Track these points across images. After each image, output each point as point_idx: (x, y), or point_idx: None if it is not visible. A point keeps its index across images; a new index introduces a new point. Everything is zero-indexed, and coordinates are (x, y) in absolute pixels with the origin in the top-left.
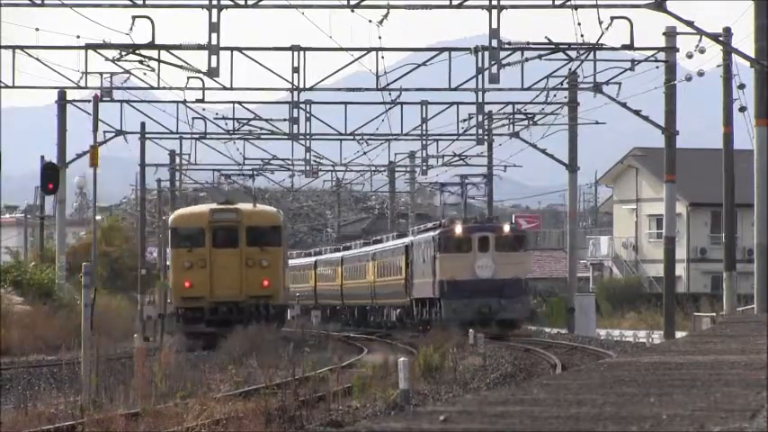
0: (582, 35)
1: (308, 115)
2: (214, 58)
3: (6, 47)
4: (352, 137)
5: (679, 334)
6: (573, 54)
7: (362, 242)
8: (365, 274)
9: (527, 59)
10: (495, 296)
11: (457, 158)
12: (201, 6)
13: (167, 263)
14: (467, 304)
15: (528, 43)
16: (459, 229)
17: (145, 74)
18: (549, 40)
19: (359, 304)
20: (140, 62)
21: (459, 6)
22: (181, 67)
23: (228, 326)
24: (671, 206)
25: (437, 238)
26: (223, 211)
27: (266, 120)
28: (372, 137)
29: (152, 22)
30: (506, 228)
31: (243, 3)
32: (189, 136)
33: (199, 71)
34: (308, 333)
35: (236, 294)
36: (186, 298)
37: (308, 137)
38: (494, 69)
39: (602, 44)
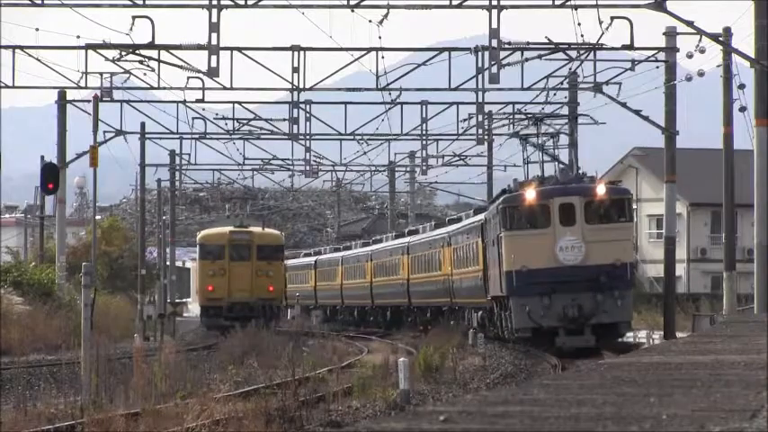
0: (582, 35)
1: (307, 115)
2: (214, 58)
3: (6, 47)
4: (352, 137)
5: (679, 334)
6: (573, 54)
7: (434, 224)
8: (440, 264)
9: (527, 59)
10: (588, 291)
11: (457, 158)
12: (201, 6)
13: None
14: (546, 305)
15: (528, 43)
16: (530, 194)
17: (145, 74)
18: (549, 40)
19: (433, 304)
20: (140, 62)
21: (459, 6)
22: (181, 67)
23: (242, 320)
24: (671, 206)
25: (501, 208)
26: (239, 232)
27: (266, 120)
28: (372, 137)
29: (152, 22)
30: (601, 189)
31: (243, 3)
32: (189, 136)
33: (199, 71)
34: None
35: (247, 296)
36: (209, 298)
37: (308, 137)
38: (494, 69)
39: (602, 44)
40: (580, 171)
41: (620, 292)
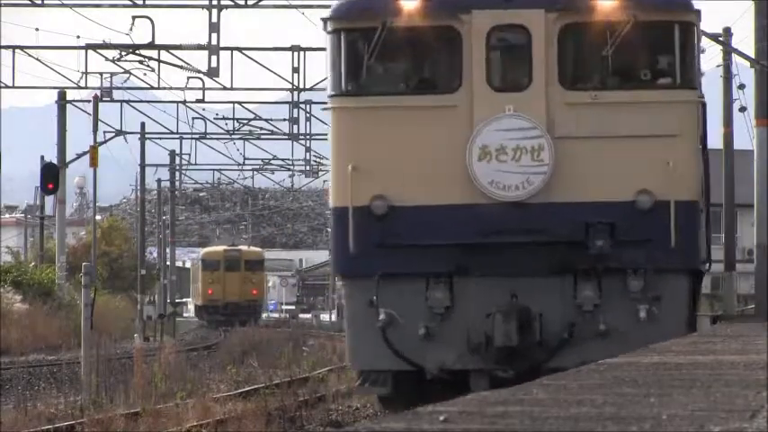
0: None
1: (308, 115)
2: (214, 58)
3: (6, 47)
4: None
5: None
6: None
7: None
8: None
9: None
10: (557, 271)
11: None
12: (201, 6)
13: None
14: (438, 309)
15: None
16: (409, 1)
17: (145, 74)
18: None
19: None
20: (140, 62)
21: None
22: (181, 67)
23: (234, 316)
24: None
25: (330, 33)
26: (231, 250)
27: (266, 120)
28: None
29: (152, 23)
30: None
31: (243, 3)
32: (189, 136)
33: (199, 71)
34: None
35: (238, 298)
36: (209, 299)
37: (308, 137)
38: None
39: None
40: None
41: (652, 280)
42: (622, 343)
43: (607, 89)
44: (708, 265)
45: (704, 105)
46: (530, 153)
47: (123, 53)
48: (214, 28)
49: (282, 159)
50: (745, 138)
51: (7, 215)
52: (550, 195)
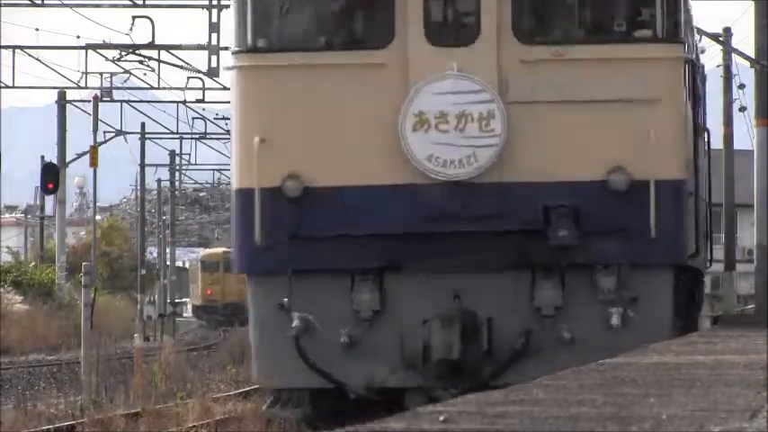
0: None
1: None
2: (214, 58)
3: (6, 47)
4: None
5: None
6: None
7: None
8: None
9: None
10: (507, 264)
11: None
12: (201, 6)
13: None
14: (363, 312)
15: None
16: None
17: (145, 74)
18: None
19: None
20: (140, 62)
21: None
22: (181, 67)
23: (233, 316)
24: None
25: None
26: (230, 252)
27: None
28: None
29: (152, 23)
30: None
31: None
32: (189, 136)
33: (199, 71)
34: None
35: (237, 299)
36: (209, 300)
37: None
38: None
39: None
40: None
41: (627, 277)
42: (590, 354)
43: (573, 43)
44: (708, 262)
45: (693, 63)
46: (477, 121)
47: (123, 53)
48: (214, 28)
49: None
50: (745, 138)
51: (7, 215)
52: (502, 174)
